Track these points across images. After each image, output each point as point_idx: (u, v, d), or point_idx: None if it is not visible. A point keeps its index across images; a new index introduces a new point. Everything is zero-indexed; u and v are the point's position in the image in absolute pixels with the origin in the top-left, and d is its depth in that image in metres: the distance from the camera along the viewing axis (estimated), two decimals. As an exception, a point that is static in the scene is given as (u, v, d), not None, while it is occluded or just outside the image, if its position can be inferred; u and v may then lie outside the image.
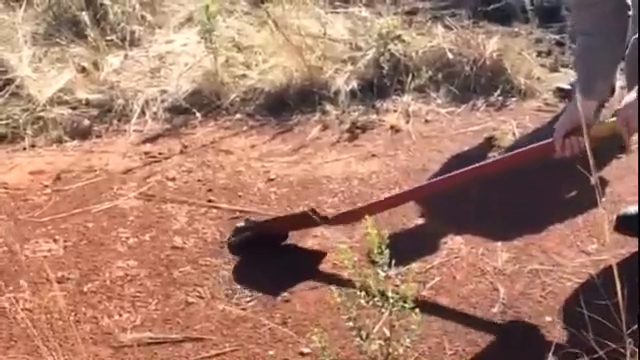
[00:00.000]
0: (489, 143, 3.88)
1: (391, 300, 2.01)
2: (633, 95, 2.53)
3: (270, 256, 3.13)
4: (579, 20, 2.88)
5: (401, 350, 2.06)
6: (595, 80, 2.74)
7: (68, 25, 4.94)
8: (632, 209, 3.10)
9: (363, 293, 2.08)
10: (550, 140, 2.71)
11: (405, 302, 1.99)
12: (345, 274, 2.99)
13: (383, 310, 2.05)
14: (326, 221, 3.14)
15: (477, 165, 2.98)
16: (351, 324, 2.10)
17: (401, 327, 2.08)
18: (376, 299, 2.02)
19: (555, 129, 2.70)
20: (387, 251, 2.00)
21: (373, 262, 2.06)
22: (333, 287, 2.89)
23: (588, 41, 2.77)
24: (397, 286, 2.27)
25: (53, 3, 5.06)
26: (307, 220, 3.11)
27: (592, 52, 2.75)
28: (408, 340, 2.06)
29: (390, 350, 2.04)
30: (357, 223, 3.24)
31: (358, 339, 2.08)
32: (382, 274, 2.00)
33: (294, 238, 3.22)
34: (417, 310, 1.99)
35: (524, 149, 2.88)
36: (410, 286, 1.98)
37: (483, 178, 3.07)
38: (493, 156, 3.75)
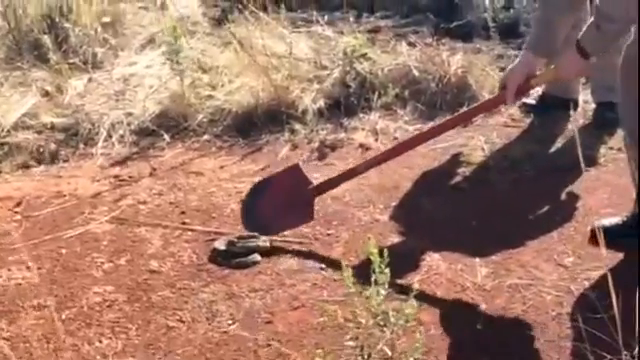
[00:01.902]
0: (458, 159, 3.91)
1: (392, 319, 2.01)
2: (566, 55, 2.88)
3: (249, 276, 3.11)
4: None
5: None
6: (546, 36, 3.01)
7: (29, 49, 4.91)
8: (606, 221, 3.14)
9: (364, 312, 2.07)
10: (501, 94, 3.10)
11: (407, 321, 1.99)
12: (325, 293, 3.00)
13: (385, 329, 2.05)
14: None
15: (442, 122, 3.50)
16: (352, 343, 2.09)
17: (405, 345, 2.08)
18: (379, 318, 2.02)
19: (505, 81, 3.06)
20: (387, 270, 2.01)
21: (375, 281, 2.05)
22: (314, 307, 2.91)
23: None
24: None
25: (13, 27, 5.00)
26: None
27: (547, 10, 3.02)
28: (412, 359, 2.06)
29: (391, 369, 2.05)
30: (334, 242, 3.26)
31: (360, 358, 2.08)
32: (383, 292, 2.00)
33: (272, 260, 3.21)
34: (421, 329, 1.99)
35: (479, 103, 3.40)
36: (411, 305, 1.99)
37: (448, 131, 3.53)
38: (463, 172, 3.79)
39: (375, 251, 2.01)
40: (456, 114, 3.58)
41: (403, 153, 3.45)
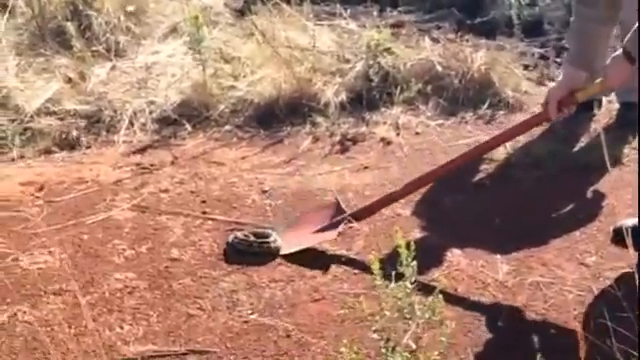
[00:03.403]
0: (481, 156, 3.89)
1: (418, 313, 2.01)
2: (612, 63, 2.76)
3: (269, 266, 3.12)
4: None
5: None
6: (585, 51, 2.95)
7: (52, 36, 4.91)
8: (629, 222, 3.13)
9: (390, 305, 2.07)
10: (545, 110, 2.99)
11: (433, 314, 1.99)
12: (345, 286, 3.00)
13: (410, 322, 2.05)
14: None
15: (484, 142, 3.34)
16: (376, 335, 2.09)
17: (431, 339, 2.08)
18: (405, 311, 2.02)
19: (548, 97, 2.96)
20: (414, 263, 2.00)
21: (399, 274, 2.05)
22: (335, 299, 2.91)
23: (583, 11, 2.95)
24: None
25: (37, 14, 5.01)
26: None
27: (585, 22, 2.95)
28: (436, 353, 2.06)
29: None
30: (355, 236, 3.26)
31: (384, 350, 2.07)
32: (409, 285, 2.00)
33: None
34: (447, 323, 1.99)
35: (522, 121, 3.23)
36: (438, 298, 1.98)
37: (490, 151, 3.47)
38: (486, 169, 3.77)
39: (403, 243, 2.00)
40: (496, 135, 3.42)
41: (434, 178, 3.41)
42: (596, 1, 2.93)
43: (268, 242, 3.21)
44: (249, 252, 3.20)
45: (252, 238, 3.22)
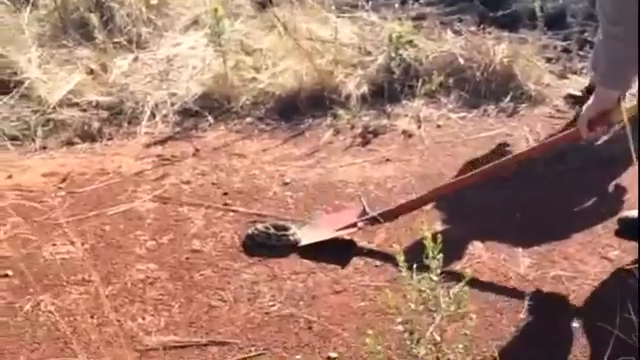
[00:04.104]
0: (503, 149, 3.88)
1: (443, 305, 2.00)
2: None
3: (290, 258, 3.12)
4: (604, 6, 2.91)
5: (452, 356, 2.05)
6: (616, 70, 2.83)
7: (75, 27, 4.92)
8: (633, 213, 3.12)
9: (415, 297, 2.07)
10: (575, 129, 2.97)
11: (459, 307, 1.98)
12: (366, 279, 3.00)
13: (435, 315, 2.04)
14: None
15: (513, 155, 3.33)
16: (401, 327, 2.09)
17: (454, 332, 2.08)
18: (430, 303, 2.01)
19: (580, 118, 2.91)
20: (440, 255, 2.00)
21: (426, 266, 2.05)
22: (356, 291, 2.91)
23: (608, 29, 2.83)
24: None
25: (59, 5, 5.02)
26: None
27: (614, 42, 2.82)
28: (460, 346, 2.05)
29: (439, 355, 2.04)
30: (377, 229, 3.25)
31: (409, 342, 2.07)
32: (435, 278, 1.99)
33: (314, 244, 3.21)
34: (472, 316, 1.98)
35: (554, 138, 3.20)
36: (464, 290, 1.98)
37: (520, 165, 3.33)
38: (507, 162, 3.75)
39: (429, 236, 2.00)
40: (524, 151, 3.37)
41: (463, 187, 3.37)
42: (621, 18, 2.78)
43: (287, 235, 3.21)
44: (268, 244, 3.20)
45: (272, 230, 3.22)
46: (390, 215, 3.29)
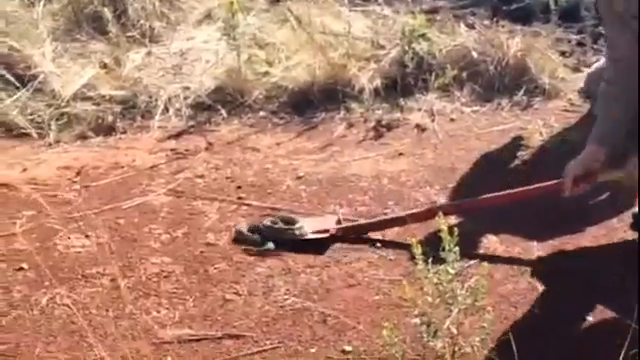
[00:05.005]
0: (516, 142, 3.88)
1: (460, 298, 2.00)
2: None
3: (305, 253, 3.12)
4: (606, 68, 2.94)
5: (468, 349, 2.05)
6: (607, 129, 2.88)
7: (88, 21, 4.94)
8: None
9: (431, 290, 2.07)
10: (559, 181, 2.95)
11: (476, 300, 1.98)
12: (381, 272, 3.00)
13: (452, 308, 2.04)
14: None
15: (488, 196, 3.19)
16: (417, 320, 2.09)
17: (469, 325, 2.08)
18: (447, 296, 2.01)
19: (565, 172, 2.93)
20: (457, 248, 2.00)
21: (441, 259, 2.05)
22: (370, 285, 2.92)
23: (608, 90, 2.89)
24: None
25: (73, -1, 5.05)
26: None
27: (610, 101, 2.88)
28: (477, 339, 2.05)
29: (456, 348, 2.04)
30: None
31: (425, 335, 2.07)
32: (452, 271, 1.99)
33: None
34: (489, 309, 1.98)
35: (535, 186, 3.11)
36: (482, 284, 1.98)
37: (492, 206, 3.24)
38: (521, 155, 3.75)
39: (445, 229, 2.00)
40: (506, 192, 3.23)
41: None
42: (619, 79, 2.86)
43: (293, 229, 3.22)
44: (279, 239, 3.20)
45: (279, 224, 3.24)
46: (353, 231, 3.26)
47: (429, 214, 3.09)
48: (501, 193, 3.20)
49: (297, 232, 3.21)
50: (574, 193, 2.94)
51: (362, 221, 3.31)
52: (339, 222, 3.30)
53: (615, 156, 2.92)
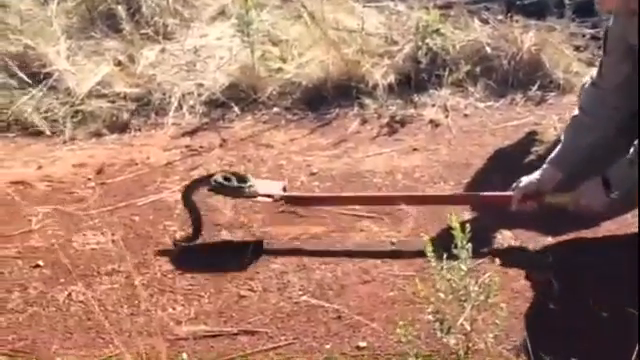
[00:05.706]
0: (531, 137, 3.87)
1: (473, 294, 2.00)
2: (589, 184, 2.84)
3: (319, 248, 3.14)
4: (584, 96, 3.02)
5: (482, 345, 2.06)
6: (570, 156, 2.94)
7: (102, 19, 4.97)
8: None
9: (444, 286, 2.07)
10: (508, 194, 3.00)
11: (489, 297, 1.98)
12: (395, 268, 3.00)
13: (465, 304, 2.04)
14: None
15: (449, 194, 3.36)
16: (431, 317, 2.09)
17: (483, 321, 2.08)
18: (460, 293, 2.02)
19: (516, 186, 2.98)
20: (469, 245, 2.00)
21: (454, 256, 2.05)
22: (384, 281, 2.92)
23: (583, 120, 2.94)
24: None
25: (87, -3, 5.07)
26: None
27: (577, 129, 2.94)
28: (491, 335, 2.05)
29: (470, 345, 2.04)
30: (404, 218, 3.25)
31: (439, 332, 2.08)
32: (464, 267, 1.99)
33: (342, 234, 3.23)
34: (503, 305, 1.98)
35: (488, 194, 3.18)
36: (495, 280, 1.98)
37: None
38: (536, 151, 3.74)
39: (457, 225, 2.00)
40: (461, 194, 3.40)
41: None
42: (595, 112, 2.91)
43: (244, 187, 3.22)
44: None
45: (232, 181, 3.23)
46: (296, 201, 3.34)
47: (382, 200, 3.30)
48: (457, 194, 3.37)
49: (247, 190, 3.21)
50: (520, 209, 2.99)
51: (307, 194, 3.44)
52: (284, 189, 3.33)
53: (568, 181, 2.97)
